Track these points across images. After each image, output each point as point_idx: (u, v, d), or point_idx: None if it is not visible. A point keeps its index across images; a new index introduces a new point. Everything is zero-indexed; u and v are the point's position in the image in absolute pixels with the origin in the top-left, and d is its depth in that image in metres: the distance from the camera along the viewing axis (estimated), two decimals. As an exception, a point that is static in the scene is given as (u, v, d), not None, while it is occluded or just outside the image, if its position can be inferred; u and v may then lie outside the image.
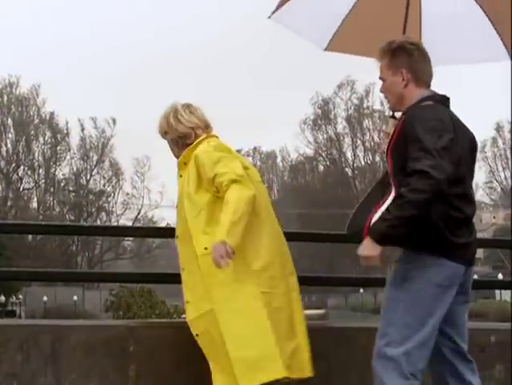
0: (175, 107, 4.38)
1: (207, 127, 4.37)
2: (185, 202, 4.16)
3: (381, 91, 3.96)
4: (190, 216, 4.12)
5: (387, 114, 4.09)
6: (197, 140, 4.28)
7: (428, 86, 3.88)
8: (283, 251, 4.25)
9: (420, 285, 3.63)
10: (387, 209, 3.57)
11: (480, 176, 72.06)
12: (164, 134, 4.41)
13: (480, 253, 66.37)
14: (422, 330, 3.63)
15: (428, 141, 3.51)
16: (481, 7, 4.99)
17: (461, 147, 3.72)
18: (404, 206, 3.49)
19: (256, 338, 3.98)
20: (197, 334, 4.10)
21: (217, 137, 4.37)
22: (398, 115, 4.02)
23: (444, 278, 3.65)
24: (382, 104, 68.73)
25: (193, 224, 4.11)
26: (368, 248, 3.59)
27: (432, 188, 3.45)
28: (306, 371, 4.13)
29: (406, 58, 3.83)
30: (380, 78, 3.92)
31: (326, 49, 5.29)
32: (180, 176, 4.27)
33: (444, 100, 3.84)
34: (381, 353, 3.64)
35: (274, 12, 5.21)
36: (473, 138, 3.88)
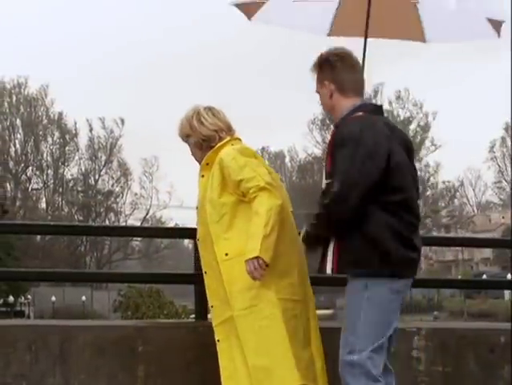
0: (197, 110, 4.31)
1: (230, 129, 4.32)
2: (207, 207, 4.10)
3: (320, 104, 4.05)
4: (212, 222, 4.08)
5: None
6: (221, 143, 4.22)
7: (359, 94, 3.94)
8: (301, 255, 4.18)
9: (382, 293, 3.72)
10: (314, 220, 3.81)
11: (489, 175, 71.94)
12: (185, 137, 4.34)
13: (489, 253, 66.20)
14: (384, 335, 3.75)
15: (344, 164, 3.66)
16: None
17: (399, 154, 3.76)
18: (319, 226, 3.81)
19: (274, 346, 3.95)
20: (218, 340, 4.06)
21: (240, 140, 4.32)
22: None
23: (401, 286, 3.79)
24: (390, 104, 68.78)
25: (214, 229, 4.07)
26: None
27: (330, 224, 3.72)
28: (320, 382, 4.09)
29: (329, 70, 3.94)
30: (316, 91, 4.03)
31: (329, 34, 5.40)
32: (202, 176, 4.21)
33: (376, 109, 3.92)
34: (346, 360, 3.72)
35: (246, 13, 5.26)
36: (409, 141, 3.95)
